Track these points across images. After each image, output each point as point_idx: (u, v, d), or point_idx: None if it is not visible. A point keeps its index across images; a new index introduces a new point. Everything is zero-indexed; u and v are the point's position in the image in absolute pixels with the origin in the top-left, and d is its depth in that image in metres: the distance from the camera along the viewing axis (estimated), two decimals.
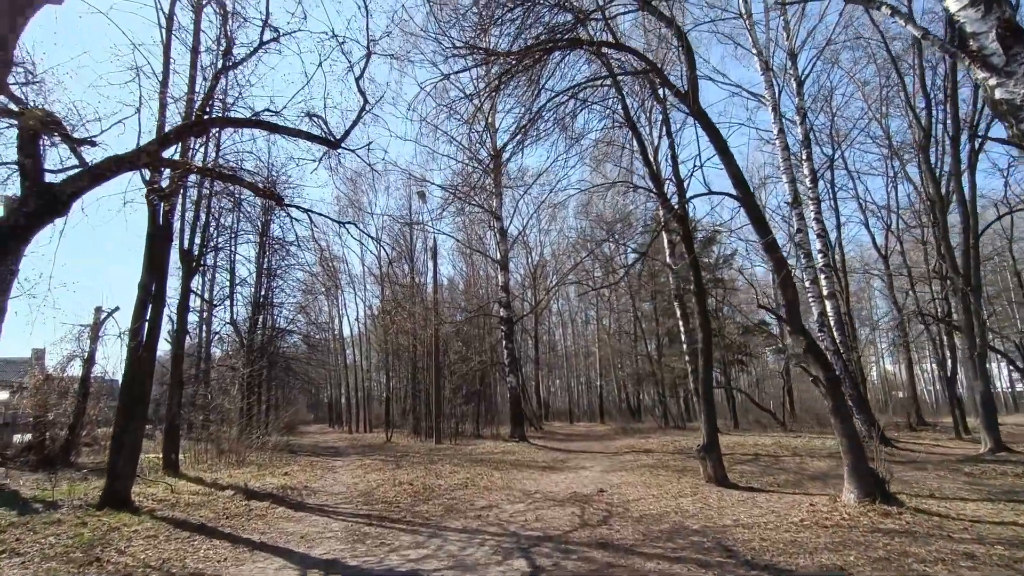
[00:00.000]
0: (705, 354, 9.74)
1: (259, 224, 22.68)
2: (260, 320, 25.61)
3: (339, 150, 8.83)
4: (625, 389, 39.87)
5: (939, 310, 19.89)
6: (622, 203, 31.16)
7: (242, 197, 15.89)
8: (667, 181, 10.99)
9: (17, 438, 12.88)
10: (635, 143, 11.62)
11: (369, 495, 9.25)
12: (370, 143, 8.82)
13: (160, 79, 8.81)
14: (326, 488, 10.20)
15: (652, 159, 11.03)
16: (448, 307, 30.53)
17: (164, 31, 9.31)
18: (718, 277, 31.61)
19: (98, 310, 13.88)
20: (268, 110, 8.06)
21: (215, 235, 19.91)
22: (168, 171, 8.83)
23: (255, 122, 7.79)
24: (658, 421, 27.51)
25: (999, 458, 11.72)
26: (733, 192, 7.74)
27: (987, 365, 14.02)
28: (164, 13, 9.38)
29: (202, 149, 11.20)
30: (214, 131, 9.91)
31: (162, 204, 8.69)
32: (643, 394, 38.33)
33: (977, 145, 14.01)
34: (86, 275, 31.13)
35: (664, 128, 11.38)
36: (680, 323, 22.79)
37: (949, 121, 14.14)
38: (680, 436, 19.36)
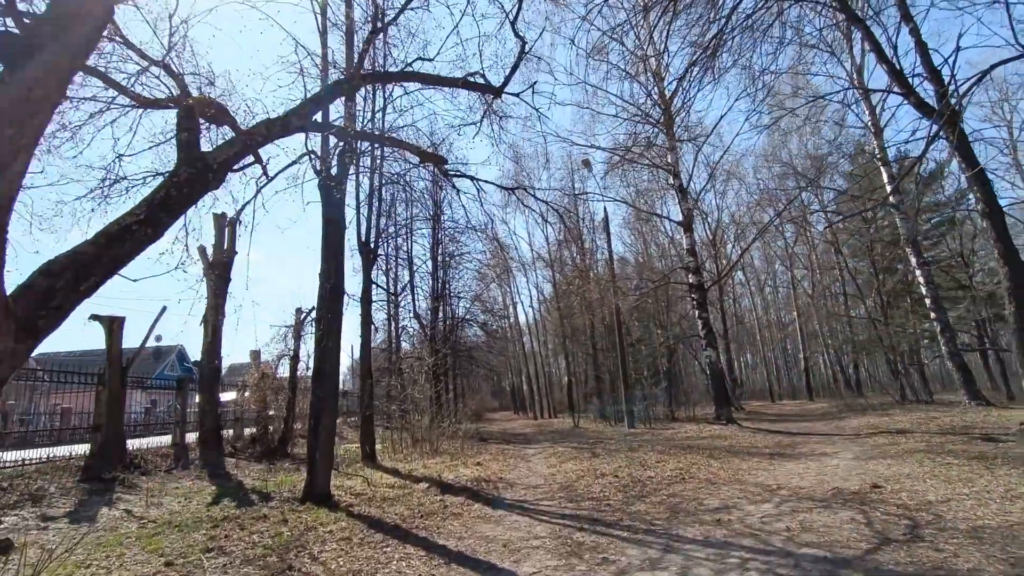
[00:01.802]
0: (1017, 296, 6.83)
1: (430, 209, 23.02)
2: (440, 311, 26.30)
3: (501, 100, 7.74)
4: (840, 361, 34.42)
5: None
6: (815, 143, 26.56)
7: (408, 178, 15.78)
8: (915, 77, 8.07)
9: (246, 431, 14.09)
10: (860, 40, 8.87)
11: (571, 489, 8.04)
12: (534, 83, 7.55)
13: (320, 56, 8.48)
14: (521, 480, 9.25)
15: (892, 52, 8.18)
16: (624, 284, 28.75)
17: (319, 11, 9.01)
18: (942, 223, 25.49)
19: (298, 311, 14.72)
20: (420, 58, 7.19)
21: (389, 225, 20.54)
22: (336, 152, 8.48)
23: (410, 75, 6.97)
24: (893, 395, 22.80)
25: None
26: None
27: None
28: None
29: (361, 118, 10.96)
30: (367, 89, 9.42)
31: (333, 189, 8.34)
32: (861, 365, 32.70)
33: None
34: (292, 277, 34.96)
35: (902, 9, 8.42)
36: (918, 273, 18.30)
37: None
38: (936, 412, 15.41)
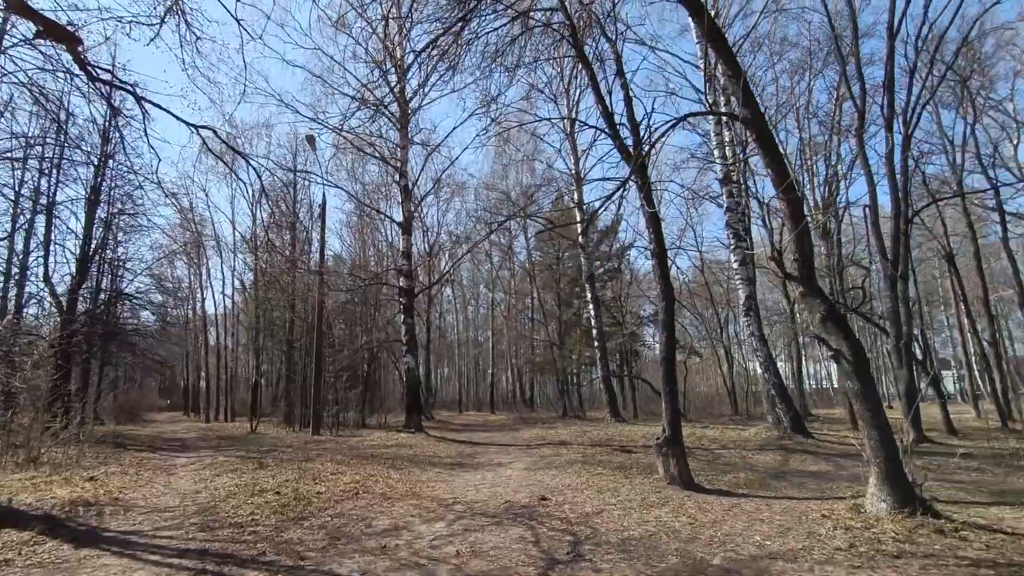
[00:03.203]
0: (667, 326, 7.91)
1: (95, 145, 17.82)
2: (95, 281, 20.70)
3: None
4: (520, 378, 38.44)
5: (849, 300, 20.04)
6: (529, 180, 29.54)
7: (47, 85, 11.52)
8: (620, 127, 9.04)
9: None
10: (586, 78, 9.64)
11: (211, 512, 6.34)
12: None
13: None
14: (147, 501, 7.10)
15: (607, 99, 8.99)
16: (335, 282, 27.00)
17: None
18: (611, 269, 31.11)
19: None
20: None
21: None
22: None
23: None
24: (556, 410, 26.16)
25: (930, 449, 11.21)
26: (738, 113, 5.87)
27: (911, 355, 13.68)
28: None
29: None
30: None
31: None
32: (536, 383, 37.16)
33: (911, 131, 13.58)
34: None
35: (617, 66, 9.41)
36: (591, 307, 21.40)
37: (885, 107, 13.61)
38: (587, 426, 17.86)
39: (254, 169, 9.74)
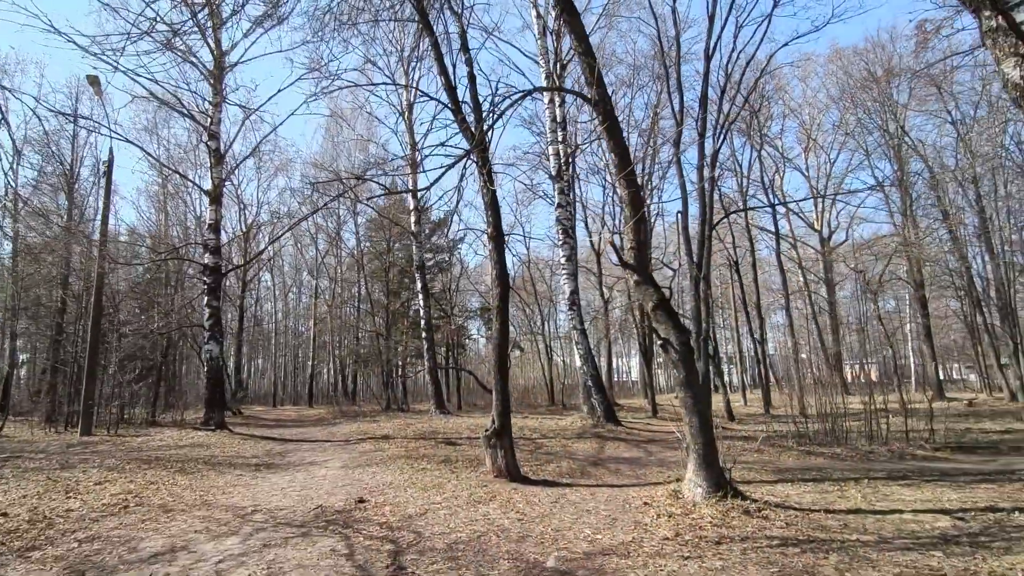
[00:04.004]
0: (502, 314, 7.70)
1: None
2: None
3: None
4: (343, 370, 36.49)
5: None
6: (362, 162, 27.99)
7: None
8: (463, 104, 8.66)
9: None
10: (428, 44, 9.11)
11: None
12: None
13: None
14: None
15: (450, 71, 8.55)
16: (124, 255, 22.87)
17: None
18: (442, 261, 31.03)
19: None
20: None
21: None
22: None
23: None
24: (380, 403, 25.19)
25: (720, 434, 12.60)
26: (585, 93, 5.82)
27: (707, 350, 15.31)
28: None
29: None
30: None
31: None
32: (360, 375, 35.61)
33: (718, 146, 15.13)
34: None
35: (461, 41, 9.01)
36: (420, 297, 20.84)
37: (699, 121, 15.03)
38: (412, 419, 17.36)
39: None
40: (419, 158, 20.00)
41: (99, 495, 6.62)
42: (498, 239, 7.74)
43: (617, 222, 25.25)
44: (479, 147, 7.72)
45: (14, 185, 22.72)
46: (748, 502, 5.31)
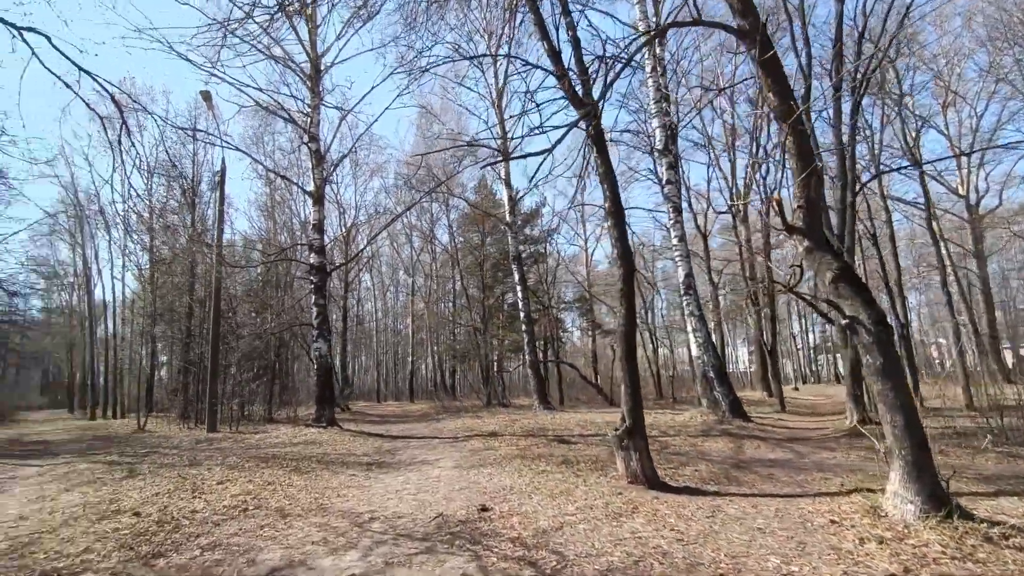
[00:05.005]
0: (627, 297, 6.84)
1: None
2: None
3: None
4: (441, 366, 36.98)
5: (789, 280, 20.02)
6: (452, 159, 27.94)
7: None
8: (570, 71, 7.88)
9: None
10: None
11: (23, 551, 4.59)
12: None
13: None
14: None
15: (553, 36, 7.79)
16: (238, 259, 24.28)
17: None
18: (540, 252, 30.34)
19: None
20: None
21: None
22: None
23: None
24: (480, 398, 25.01)
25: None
26: (732, 24, 4.86)
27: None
28: None
29: None
30: None
31: None
32: (458, 371, 35.87)
33: (860, 97, 13.16)
34: None
35: (562, 6, 8.21)
36: (518, 289, 20.30)
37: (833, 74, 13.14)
38: (515, 415, 16.86)
39: (146, 114, 7.68)
40: (511, 147, 19.55)
41: (221, 495, 6.54)
42: (618, 214, 6.89)
43: (724, 196, 23.43)
44: (590, 114, 6.93)
45: (148, 202, 24.78)
46: (985, 525, 4.10)
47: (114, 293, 32.21)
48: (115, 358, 29.79)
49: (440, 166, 23.47)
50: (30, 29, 5.90)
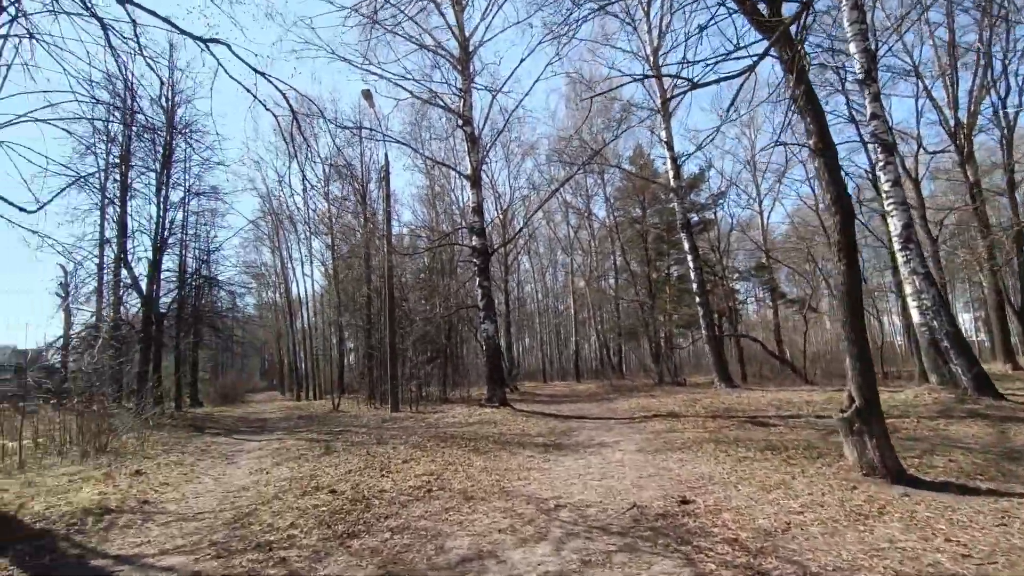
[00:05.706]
0: (846, 249, 5.53)
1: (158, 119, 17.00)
2: (166, 261, 20.41)
3: None
4: (606, 344, 36.23)
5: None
6: (602, 123, 26.76)
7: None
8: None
9: None
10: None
11: (244, 523, 4.87)
12: None
13: None
14: (182, 504, 5.78)
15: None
16: (405, 247, 25.88)
17: None
18: (708, 218, 27.91)
19: None
20: None
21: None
22: None
23: None
24: (651, 377, 23.80)
25: None
26: None
27: None
28: None
29: None
30: None
31: None
32: (623, 349, 34.79)
33: None
34: None
35: None
36: (689, 259, 18.77)
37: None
38: (694, 394, 15.59)
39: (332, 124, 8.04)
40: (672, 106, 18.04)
41: (406, 475, 6.59)
42: (828, 151, 5.58)
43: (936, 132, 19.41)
44: (783, 38, 5.69)
45: (326, 204, 27.46)
46: None
47: (306, 289, 36.35)
48: (311, 346, 33.81)
49: (592, 136, 22.60)
50: (214, 40, 6.28)
